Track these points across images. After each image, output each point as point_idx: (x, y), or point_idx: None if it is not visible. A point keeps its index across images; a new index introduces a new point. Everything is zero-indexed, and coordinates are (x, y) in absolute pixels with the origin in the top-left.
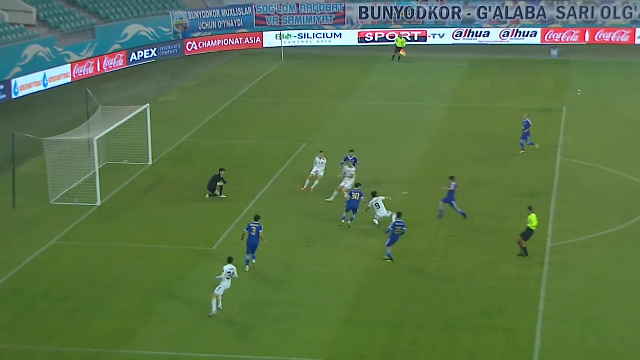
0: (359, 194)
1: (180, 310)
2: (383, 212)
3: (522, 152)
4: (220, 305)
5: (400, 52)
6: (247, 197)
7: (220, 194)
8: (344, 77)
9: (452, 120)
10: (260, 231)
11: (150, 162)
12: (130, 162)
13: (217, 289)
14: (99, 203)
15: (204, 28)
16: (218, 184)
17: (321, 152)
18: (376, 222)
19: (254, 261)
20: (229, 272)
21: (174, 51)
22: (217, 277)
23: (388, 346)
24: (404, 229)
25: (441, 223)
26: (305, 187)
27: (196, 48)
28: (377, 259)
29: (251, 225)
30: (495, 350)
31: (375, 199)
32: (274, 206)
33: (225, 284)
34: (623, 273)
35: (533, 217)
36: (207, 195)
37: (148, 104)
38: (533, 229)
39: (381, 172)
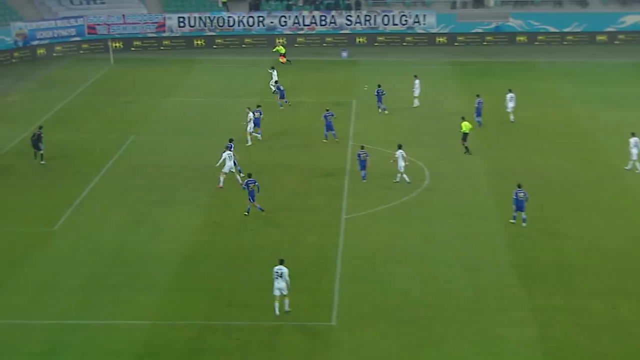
0: (253, 184)
1: (25, 285)
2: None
3: (325, 141)
4: (284, 308)
5: (280, 59)
6: (83, 183)
7: (41, 160)
8: (166, 78)
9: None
10: (257, 184)
11: None
12: None
13: (273, 290)
14: None
15: (41, 37)
16: (40, 145)
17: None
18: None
19: (262, 210)
20: (277, 272)
21: (15, 57)
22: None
23: (209, 308)
24: (257, 184)
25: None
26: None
27: (35, 54)
28: (198, 234)
29: (248, 182)
30: (300, 307)
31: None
32: (107, 192)
33: (277, 284)
34: (405, 238)
35: (465, 124)
36: (35, 156)
37: None
38: (467, 132)
39: (200, 158)
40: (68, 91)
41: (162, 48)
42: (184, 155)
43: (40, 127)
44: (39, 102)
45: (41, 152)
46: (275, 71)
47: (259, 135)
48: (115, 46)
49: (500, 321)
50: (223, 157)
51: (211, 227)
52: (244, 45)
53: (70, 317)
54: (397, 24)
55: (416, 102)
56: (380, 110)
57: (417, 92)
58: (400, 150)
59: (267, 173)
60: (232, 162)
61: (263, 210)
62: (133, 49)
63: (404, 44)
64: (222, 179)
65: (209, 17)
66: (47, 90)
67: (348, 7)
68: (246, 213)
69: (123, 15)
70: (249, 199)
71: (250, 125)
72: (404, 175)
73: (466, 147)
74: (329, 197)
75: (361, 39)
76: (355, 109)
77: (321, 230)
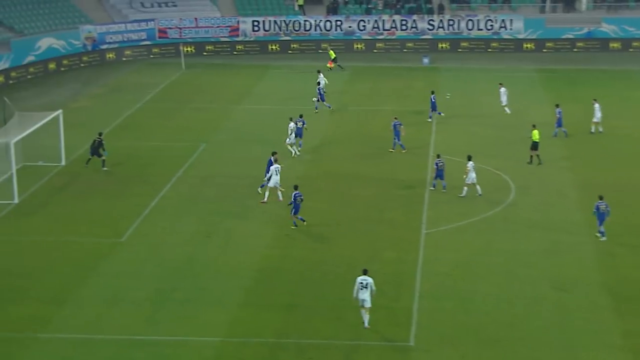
0: (300, 197)
1: (92, 297)
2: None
3: (392, 150)
4: (365, 323)
5: (328, 64)
6: (152, 192)
7: (103, 166)
8: (239, 84)
9: (337, 121)
10: (302, 198)
11: (64, 163)
12: (45, 163)
13: (359, 302)
14: (16, 200)
15: (110, 40)
16: (100, 152)
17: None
18: None
19: (304, 222)
20: (361, 283)
21: (84, 62)
22: (355, 289)
23: (282, 325)
24: (302, 198)
25: (327, 214)
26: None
27: (104, 58)
28: (271, 247)
29: (296, 195)
30: (377, 325)
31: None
32: (176, 202)
33: (362, 295)
34: (488, 255)
35: (535, 132)
36: (87, 162)
37: (61, 110)
38: (537, 141)
39: None
40: (137, 97)
41: (235, 53)
42: (256, 164)
43: (100, 134)
44: (107, 108)
45: (103, 158)
46: (321, 75)
47: (293, 151)
48: (187, 51)
49: (590, 345)
50: (270, 172)
51: (284, 240)
52: (320, 51)
53: (136, 332)
54: (482, 29)
55: (507, 110)
56: (429, 120)
57: (504, 101)
58: (471, 162)
59: (343, 184)
60: (278, 176)
61: (304, 221)
62: (205, 53)
63: (489, 50)
64: (267, 194)
65: (284, 21)
66: (116, 96)
67: (430, 11)
68: (293, 227)
69: (195, 19)
70: (293, 212)
71: (292, 137)
72: (477, 187)
73: (537, 157)
74: (408, 210)
75: (444, 45)
76: (436, 118)
77: (400, 245)
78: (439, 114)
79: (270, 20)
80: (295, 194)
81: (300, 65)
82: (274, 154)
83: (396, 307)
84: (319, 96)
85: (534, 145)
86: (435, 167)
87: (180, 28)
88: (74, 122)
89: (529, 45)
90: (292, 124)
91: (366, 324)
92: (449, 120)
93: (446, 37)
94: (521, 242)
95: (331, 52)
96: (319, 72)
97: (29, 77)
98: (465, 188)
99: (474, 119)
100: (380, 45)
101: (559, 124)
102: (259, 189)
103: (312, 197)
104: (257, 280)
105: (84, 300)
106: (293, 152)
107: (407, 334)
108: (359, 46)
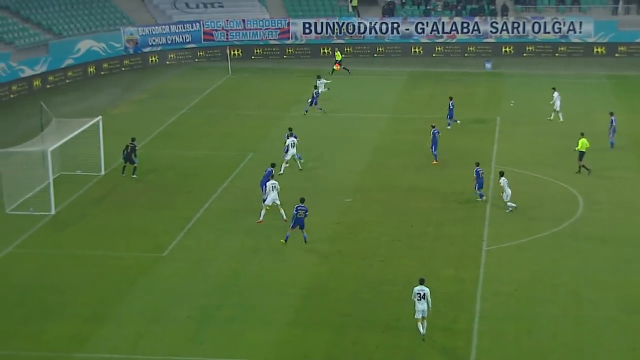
0: (303, 211)
1: (132, 315)
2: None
3: (435, 162)
4: (423, 331)
5: (335, 66)
6: (196, 204)
7: (133, 173)
8: (289, 90)
9: (393, 130)
10: (307, 213)
11: (103, 172)
12: (83, 172)
13: (415, 313)
14: (53, 212)
15: (153, 43)
16: (133, 158)
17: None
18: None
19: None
20: (418, 294)
21: (125, 65)
22: (411, 298)
23: (332, 347)
24: (306, 212)
25: (382, 229)
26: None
27: (147, 62)
28: (321, 264)
29: (298, 207)
30: (434, 349)
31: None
32: (222, 214)
33: (420, 306)
34: (554, 275)
35: (583, 141)
36: (123, 170)
37: (100, 117)
38: (584, 150)
39: (325, 180)
40: (181, 103)
41: (285, 57)
42: (306, 175)
43: (133, 139)
44: (149, 115)
45: (135, 165)
46: (322, 79)
47: (286, 164)
48: (234, 54)
49: None
50: (267, 188)
51: (335, 256)
52: (375, 55)
53: (178, 353)
54: (548, 32)
55: (561, 117)
56: (449, 127)
57: (557, 106)
58: (504, 178)
59: (399, 196)
60: (276, 192)
61: (306, 242)
62: (253, 57)
63: (557, 54)
64: (263, 212)
65: (337, 23)
66: (159, 102)
67: (493, 13)
68: (283, 241)
69: (243, 20)
70: (293, 226)
71: (291, 152)
72: (510, 203)
73: (584, 167)
74: (467, 225)
75: (508, 49)
76: (499, 127)
77: (459, 262)
78: (455, 121)
79: (322, 22)
80: (297, 206)
81: (353, 70)
82: (272, 165)
83: (455, 329)
84: (312, 99)
85: (581, 156)
86: (475, 175)
87: (227, 30)
88: (114, 129)
89: (599, 50)
90: (287, 140)
91: (422, 332)
92: (512, 130)
93: (510, 41)
94: (589, 260)
95: (338, 53)
96: (318, 77)
97: (67, 81)
98: (510, 203)
99: (539, 127)
100: (439, 49)
101: (613, 132)
102: (263, 204)
103: (367, 210)
104: (306, 299)
105: (123, 318)
106: (297, 165)
107: (467, 358)
108: (416, 50)
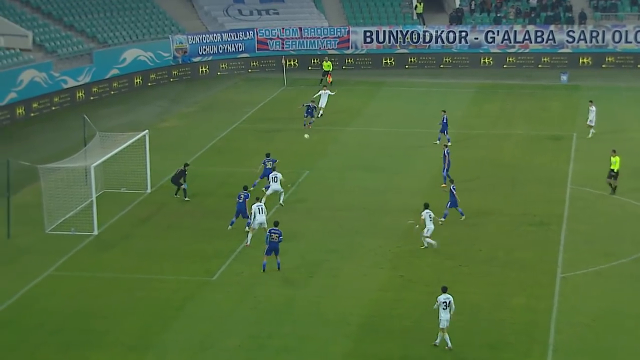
0: (277, 235)
1: (179, 343)
2: None
3: (444, 185)
4: (449, 343)
5: (328, 77)
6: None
7: (185, 196)
8: (348, 104)
9: (460, 146)
10: (281, 237)
11: (149, 190)
12: (128, 190)
13: (440, 322)
14: (95, 232)
15: (204, 52)
16: (181, 182)
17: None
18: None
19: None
20: (444, 302)
21: (174, 76)
22: (434, 307)
23: None
24: (280, 236)
25: (448, 253)
26: None
27: (196, 72)
28: (382, 290)
29: (272, 231)
30: None
31: None
32: None
33: (444, 315)
34: (635, 304)
35: (615, 159)
36: (176, 193)
37: (147, 130)
38: (615, 169)
39: (387, 200)
40: (233, 116)
41: (344, 67)
42: (366, 195)
43: (186, 165)
44: (199, 129)
45: (183, 187)
46: (327, 91)
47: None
48: (290, 64)
49: None
50: (253, 211)
51: (397, 282)
52: (442, 66)
53: None
54: (630, 42)
55: (590, 133)
56: (437, 142)
57: (591, 120)
58: (428, 210)
59: (467, 217)
60: (263, 215)
61: (279, 269)
62: (310, 67)
63: (639, 66)
64: (250, 236)
65: (400, 31)
66: (209, 115)
67: (570, 21)
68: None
69: (300, 29)
70: (268, 252)
71: (273, 187)
72: (428, 240)
73: (614, 187)
74: (540, 250)
75: (585, 60)
76: (575, 145)
77: (531, 290)
78: (448, 139)
79: (384, 31)
80: (271, 230)
81: (418, 82)
82: (245, 188)
83: None
84: (308, 109)
85: (611, 174)
86: (452, 191)
87: (282, 39)
88: (161, 144)
89: None
90: (261, 165)
91: (449, 344)
92: (589, 147)
93: (588, 51)
94: None
95: (328, 63)
96: (324, 87)
97: (112, 92)
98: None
99: (619, 144)
100: (511, 59)
101: None
102: (247, 228)
103: (433, 233)
104: (366, 328)
105: (168, 346)
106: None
107: None
108: (486, 61)
